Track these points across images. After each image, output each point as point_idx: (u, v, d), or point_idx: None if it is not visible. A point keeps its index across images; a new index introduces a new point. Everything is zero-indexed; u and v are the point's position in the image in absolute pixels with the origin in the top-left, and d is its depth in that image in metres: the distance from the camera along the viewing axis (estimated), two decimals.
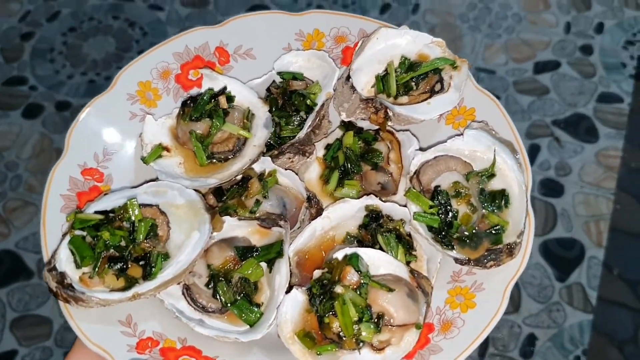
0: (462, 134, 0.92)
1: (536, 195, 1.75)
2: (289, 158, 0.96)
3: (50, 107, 1.92)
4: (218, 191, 0.93)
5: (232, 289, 0.85)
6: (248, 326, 0.84)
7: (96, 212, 0.85)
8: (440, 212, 0.87)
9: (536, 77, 1.96)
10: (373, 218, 0.90)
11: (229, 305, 0.84)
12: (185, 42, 1.02)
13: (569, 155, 1.83)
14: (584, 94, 1.95)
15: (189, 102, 0.96)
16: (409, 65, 0.98)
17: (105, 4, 2.16)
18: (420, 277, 0.84)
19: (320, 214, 0.91)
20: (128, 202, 0.85)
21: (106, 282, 0.82)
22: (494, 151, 0.89)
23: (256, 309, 0.84)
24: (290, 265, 0.87)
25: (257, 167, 0.95)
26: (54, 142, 1.86)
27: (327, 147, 1.00)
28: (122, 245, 0.83)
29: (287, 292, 0.83)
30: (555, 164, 1.81)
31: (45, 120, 1.91)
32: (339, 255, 0.84)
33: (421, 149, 0.93)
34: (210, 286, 0.85)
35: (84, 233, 0.83)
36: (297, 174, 0.96)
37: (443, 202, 0.87)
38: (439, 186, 0.88)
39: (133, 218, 0.84)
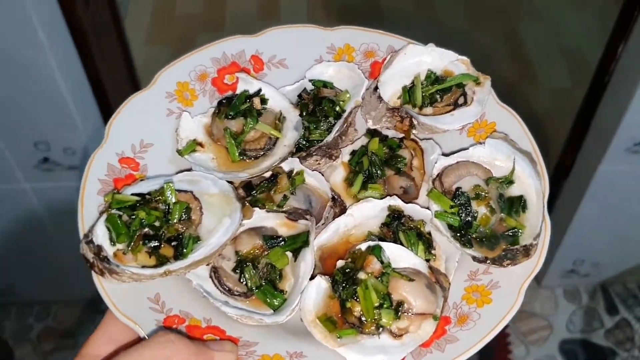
0: (483, 143, 0.96)
1: None
2: (316, 160, 1.01)
3: None
4: (248, 186, 0.98)
5: (257, 274, 0.88)
6: (272, 311, 0.87)
7: (133, 195, 0.89)
8: (460, 212, 0.91)
9: None
10: (395, 217, 0.94)
11: (254, 289, 0.87)
12: (223, 48, 1.08)
13: None
14: None
15: (225, 101, 1.02)
16: (434, 79, 1.04)
17: None
18: (438, 273, 0.88)
19: (344, 213, 0.95)
20: (165, 185, 0.89)
21: (139, 259, 0.86)
22: (514, 160, 0.94)
23: (280, 295, 0.87)
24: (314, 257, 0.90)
25: (286, 166, 1.00)
26: None
27: (353, 153, 1.04)
28: (157, 225, 0.87)
29: (311, 280, 0.87)
30: None
31: None
32: (362, 246, 0.88)
33: (444, 155, 0.98)
34: (237, 271, 0.89)
35: (121, 213, 0.87)
36: (323, 176, 1.01)
37: (463, 202, 0.91)
38: (459, 188, 0.93)
39: (168, 200, 0.88)
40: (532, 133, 0.98)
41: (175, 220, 0.88)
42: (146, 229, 0.87)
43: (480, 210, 0.92)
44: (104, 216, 0.87)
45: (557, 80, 3.21)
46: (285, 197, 0.96)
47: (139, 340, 0.81)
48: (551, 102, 3.06)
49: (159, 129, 1.01)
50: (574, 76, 3.18)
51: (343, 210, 0.96)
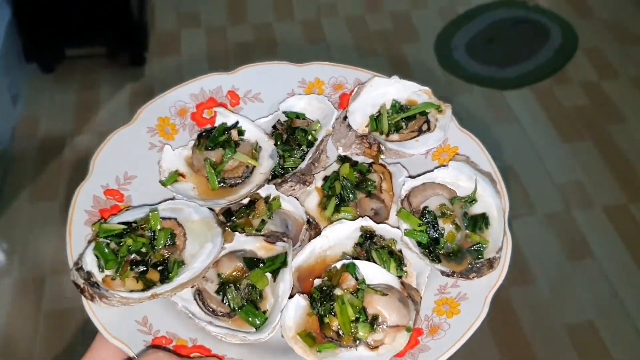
0: (447, 165, 1.04)
1: None
2: (291, 186, 1.07)
3: None
4: (228, 212, 1.04)
5: (239, 295, 0.93)
6: (254, 329, 0.92)
7: (119, 223, 0.94)
8: (428, 229, 0.97)
9: None
10: (367, 237, 1.00)
11: (236, 309, 0.92)
12: (201, 85, 1.15)
13: None
14: None
15: (204, 134, 1.08)
16: (399, 108, 1.12)
17: None
18: (410, 289, 0.94)
19: (319, 235, 1.01)
20: (151, 213, 0.94)
21: (127, 284, 0.91)
22: (475, 180, 1.01)
23: (261, 314, 0.92)
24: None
25: (263, 193, 1.05)
26: None
27: (325, 179, 1.10)
28: (143, 252, 0.92)
29: (290, 298, 0.92)
30: None
31: None
32: (338, 265, 0.93)
33: (411, 177, 1.05)
34: (220, 293, 0.94)
35: (108, 241, 0.92)
36: (298, 200, 1.07)
37: (430, 220, 0.98)
38: (426, 207, 0.99)
39: (154, 227, 0.93)
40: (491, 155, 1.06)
41: (160, 246, 0.93)
42: (133, 255, 0.92)
43: (447, 227, 0.98)
44: (92, 245, 0.92)
45: None
46: (263, 222, 1.02)
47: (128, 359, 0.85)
48: None
49: (142, 162, 1.07)
50: None
51: (318, 233, 1.02)
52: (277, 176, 1.08)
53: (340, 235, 1.01)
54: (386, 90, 1.14)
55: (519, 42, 3.29)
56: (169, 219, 0.96)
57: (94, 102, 2.98)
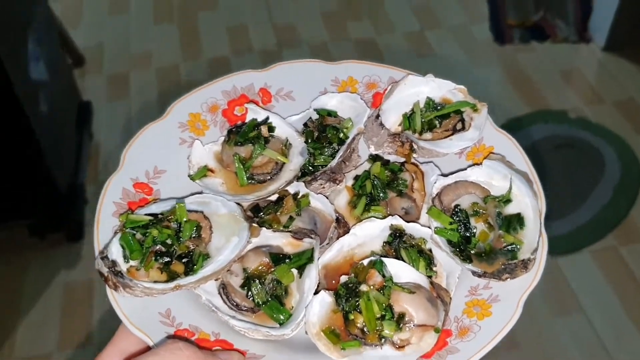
0: (481, 164, 1.00)
1: None
2: (321, 184, 1.05)
3: None
4: (256, 208, 1.02)
5: (264, 290, 0.91)
6: (278, 325, 0.90)
7: (146, 215, 0.94)
8: (459, 228, 0.94)
9: None
10: (397, 236, 0.97)
11: (261, 304, 0.91)
12: (233, 82, 1.15)
13: None
14: None
15: (234, 130, 1.07)
16: (433, 106, 1.09)
17: None
18: (440, 289, 0.91)
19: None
20: (177, 205, 0.94)
21: (151, 276, 0.90)
22: (510, 179, 0.97)
23: (286, 310, 0.90)
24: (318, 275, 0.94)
25: (292, 190, 1.04)
26: None
27: (356, 178, 1.08)
28: (168, 243, 0.92)
29: (315, 295, 0.90)
30: None
31: None
32: (365, 262, 0.91)
33: (443, 175, 1.02)
34: (244, 287, 0.92)
35: (134, 232, 0.92)
36: (327, 199, 1.05)
37: (462, 219, 0.95)
38: (458, 205, 0.96)
39: (180, 219, 0.93)
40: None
41: (186, 238, 0.92)
42: (158, 247, 0.91)
43: (479, 226, 0.95)
44: (118, 235, 0.92)
45: None
46: (291, 218, 1.00)
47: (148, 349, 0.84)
48: None
49: (172, 157, 1.07)
50: None
51: (347, 231, 1.00)
52: (307, 174, 1.06)
53: (369, 233, 0.99)
54: (420, 88, 1.12)
55: (563, 178, 2.37)
56: (196, 211, 0.96)
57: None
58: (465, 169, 1.01)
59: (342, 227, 1.02)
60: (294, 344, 0.89)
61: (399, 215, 1.01)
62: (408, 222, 0.99)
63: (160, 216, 0.94)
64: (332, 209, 1.03)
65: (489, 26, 3.45)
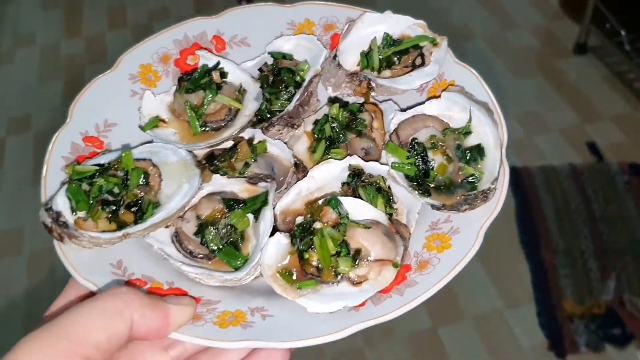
0: (439, 97, 0.97)
1: None
2: (279, 130, 1.02)
3: None
4: (210, 156, 0.99)
5: (218, 236, 0.88)
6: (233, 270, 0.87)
7: (93, 165, 0.91)
8: (417, 162, 0.91)
9: None
10: (355, 175, 0.94)
11: (215, 250, 0.88)
12: (184, 30, 1.10)
13: None
14: None
15: (185, 77, 1.03)
16: (391, 43, 1.05)
17: None
18: (399, 225, 0.88)
19: None
20: (123, 153, 0.90)
21: (99, 226, 0.87)
22: (469, 110, 0.94)
23: (241, 255, 0.88)
24: (275, 220, 0.91)
25: (247, 136, 1.01)
26: None
27: (316, 123, 1.05)
28: (115, 192, 0.88)
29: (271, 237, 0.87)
30: None
31: None
32: (320, 201, 0.88)
33: (402, 110, 0.99)
34: (198, 235, 0.89)
35: (81, 183, 0.89)
36: (286, 145, 1.01)
37: (419, 152, 0.91)
38: (416, 139, 0.93)
39: (127, 167, 0.89)
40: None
41: (133, 186, 0.89)
42: (105, 196, 0.88)
43: (437, 159, 0.91)
44: (65, 187, 0.88)
45: None
46: (246, 165, 0.97)
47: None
48: None
49: (123, 110, 1.03)
50: None
51: (306, 176, 0.97)
52: (264, 120, 1.03)
53: (328, 175, 0.96)
54: (378, 27, 1.08)
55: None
56: (144, 160, 0.92)
57: None
58: (424, 102, 0.97)
59: (301, 172, 0.99)
60: (252, 288, 0.87)
61: (359, 157, 0.98)
62: (368, 162, 0.96)
63: (106, 165, 0.90)
64: (290, 154, 1.00)
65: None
